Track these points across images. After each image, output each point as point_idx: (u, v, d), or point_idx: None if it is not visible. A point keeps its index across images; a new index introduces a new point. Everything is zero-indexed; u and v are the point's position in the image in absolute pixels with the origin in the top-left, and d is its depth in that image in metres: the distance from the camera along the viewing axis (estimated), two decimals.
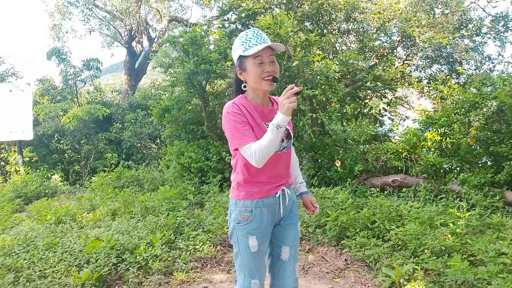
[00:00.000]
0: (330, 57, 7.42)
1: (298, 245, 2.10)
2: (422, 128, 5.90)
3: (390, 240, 3.79)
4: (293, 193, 2.09)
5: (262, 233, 1.90)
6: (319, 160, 6.09)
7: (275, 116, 1.70)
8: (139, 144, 10.46)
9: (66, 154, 10.01)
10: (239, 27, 7.71)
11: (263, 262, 1.95)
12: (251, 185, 1.90)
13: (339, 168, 6.05)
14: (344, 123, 6.48)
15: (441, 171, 5.55)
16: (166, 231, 4.15)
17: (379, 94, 7.87)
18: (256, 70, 1.79)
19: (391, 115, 8.15)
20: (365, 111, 7.92)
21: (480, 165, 5.70)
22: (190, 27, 11.15)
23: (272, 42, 1.88)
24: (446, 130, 5.75)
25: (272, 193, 1.91)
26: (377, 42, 8.16)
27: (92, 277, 3.24)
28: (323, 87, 6.04)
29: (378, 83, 6.99)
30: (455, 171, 5.71)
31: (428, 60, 8.46)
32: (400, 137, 6.52)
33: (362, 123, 6.07)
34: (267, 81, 1.80)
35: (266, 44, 1.78)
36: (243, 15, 7.33)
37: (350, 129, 5.82)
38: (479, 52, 8.53)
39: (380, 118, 8.05)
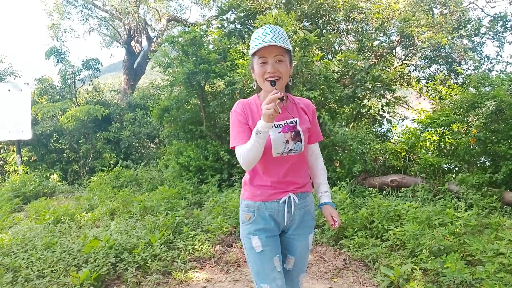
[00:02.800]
0: (329, 57, 7.42)
1: (308, 257, 2.00)
2: (421, 128, 5.91)
3: (389, 240, 3.80)
4: (310, 202, 1.94)
5: (266, 235, 1.83)
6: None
7: (258, 121, 1.65)
8: (137, 144, 10.45)
9: (64, 154, 10.00)
10: (238, 27, 7.72)
11: (271, 267, 1.81)
12: (255, 187, 1.87)
13: (337, 168, 6.05)
14: (344, 124, 6.48)
15: (440, 171, 5.56)
16: (165, 230, 4.15)
17: (378, 94, 7.88)
18: (259, 70, 1.75)
19: (390, 115, 8.15)
20: (364, 111, 7.92)
21: (478, 165, 5.71)
22: (189, 27, 11.15)
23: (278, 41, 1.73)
24: (444, 130, 5.76)
25: (276, 198, 1.83)
26: (376, 42, 8.17)
27: (91, 276, 3.23)
28: (322, 87, 6.04)
29: (377, 83, 7.00)
30: (454, 171, 5.72)
31: (427, 60, 8.49)
32: (398, 137, 6.53)
33: (362, 128, 6.05)
34: (268, 82, 1.73)
35: (265, 44, 1.69)
36: (242, 15, 7.33)
37: (349, 133, 5.81)
38: (477, 52, 8.56)
39: (379, 118, 8.05)
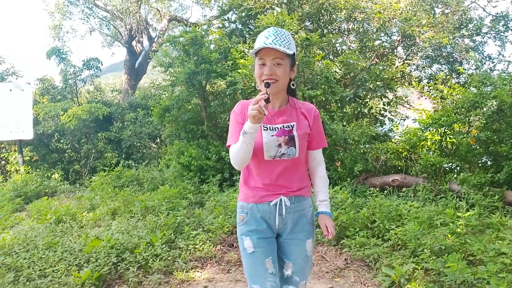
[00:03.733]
0: (330, 57, 7.42)
1: (307, 263, 1.92)
2: (422, 128, 5.90)
3: (390, 240, 3.79)
4: (306, 207, 1.91)
5: (258, 236, 1.83)
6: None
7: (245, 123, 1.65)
8: (139, 144, 10.45)
9: (66, 154, 10.01)
10: (239, 26, 7.72)
11: (263, 268, 1.80)
12: (247, 188, 1.88)
13: (339, 167, 6.04)
14: (345, 123, 6.48)
15: (441, 170, 5.55)
16: (166, 230, 4.16)
17: (379, 94, 7.87)
18: (257, 71, 1.76)
19: (391, 115, 8.14)
20: (365, 110, 7.91)
21: (480, 164, 5.70)
22: (190, 26, 11.16)
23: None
24: (446, 130, 5.75)
25: (267, 200, 1.83)
26: (377, 42, 8.16)
27: (92, 276, 3.24)
28: (323, 87, 6.04)
29: (378, 82, 6.99)
30: (455, 170, 5.71)
31: (428, 59, 8.47)
32: (400, 136, 6.52)
33: (362, 124, 6.06)
34: (263, 83, 1.72)
35: (264, 45, 1.69)
36: (243, 14, 7.33)
37: (350, 129, 5.82)
38: (479, 51, 8.55)
39: (381, 118, 8.04)
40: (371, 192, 5.16)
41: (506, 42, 8.63)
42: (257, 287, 1.80)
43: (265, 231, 1.85)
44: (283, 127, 1.81)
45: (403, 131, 6.39)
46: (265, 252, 1.83)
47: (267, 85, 1.69)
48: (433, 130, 5.81)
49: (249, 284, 1.86)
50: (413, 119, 6.48)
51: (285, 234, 1.89)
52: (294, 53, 1.78)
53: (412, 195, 5.19)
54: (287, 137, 1.80)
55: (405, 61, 8.38)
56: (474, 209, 4.17)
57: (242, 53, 6.55)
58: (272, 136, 1.79)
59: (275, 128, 1.80)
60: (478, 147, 5.45)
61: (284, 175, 1.84)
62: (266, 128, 1.80)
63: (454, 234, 3.62)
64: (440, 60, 8.36)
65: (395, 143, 6.63)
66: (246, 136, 1.65)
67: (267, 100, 1.57)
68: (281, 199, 1.83)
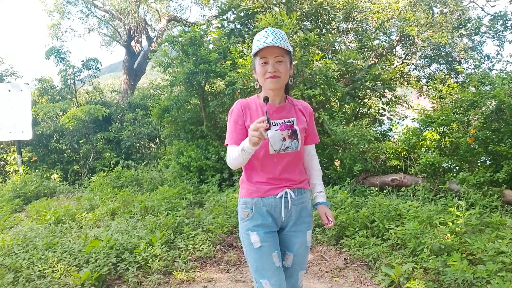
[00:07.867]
0: (329, 56, 7.42)
1: (306, 254, 2.01)
2: (421, 128, 5.91)
3: (389, 239, 3.80)
4: (307, 199, 1.98)
5: (265, 231, 1.86)
6: (318, 159, 6.06)
7: (245, 139, 1.68)
8: (138, 144, 10.45)
9: (65, 154, 10.00)
10: (238, 26, 7.72)
11: (270, 262, 1.84)
12: (250, 184, 1.91)
13: (338, 167, 6.05)
14: (343, 123, 6.48)
15: (440, 170, 5.56)
16: (166, 230, 4.15)
17: (378, 94, 7.88)
18: (260, 69, 1.82)
19: (390, 114, 8.15)
20: (364, 110, 7.92)
21: (479, 164, 5.71)
22: (189, 26, 11.15)
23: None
24: (445, 129, 5.76)
25: (272, 194, 1.87)
26: (376, 42, 8.17)
27: (92, 277, 3.24)
28: (322, 86, 6.05)
29: (377, 82, 6.99)
30: (454, 170, 5.72)
31: (427, 59, 8.47)
32: (399, 136, 6.53)
33: (362, 126, 6.06)
34: (269, 79, 1.79)
35: (266, 44, 1.76)
36: (242, 14, 7.33)
37: (349, 130, 5.81)
38: (478, 51, 8.54)
39: (379, 118, 8.05)
40: (371, 191, 5.17)
41: (504, 42, 8.63)
42: (266, 281, 1.82)
43: (270, 225, 1.89)
44: (285, 122, 1.88)
45: (402, 130, 6.40)
46: (271, 247, 1.87)
47: (266, 100, 1.75)
48: (432, 129, 5.81)
49: (255, 279, 1.87)
50: (412, 119, 6.48)
51: (288, 226, 1.94)
52: (291, 51, 1.86)
53: (411, 195, 5.20)
54: (290, 131, 1.87)
55: (404, 61, 8.38)
56: (473, 209, 4.17)
57: (241, 53, 6.54)
58: (276, 130, 1.85)
59: (277, 123, 1.87)
60: (477, 147, 5.46)
61: (288, 169, 1.90)
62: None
63: (454, 234, 3.62)
64: (439, 60, 8.36)
65: (394, 142, 6.64)
66: (244, 154, 1.71)
67: (266, 99, 1.65)
68: (286, 192, 1.88)
